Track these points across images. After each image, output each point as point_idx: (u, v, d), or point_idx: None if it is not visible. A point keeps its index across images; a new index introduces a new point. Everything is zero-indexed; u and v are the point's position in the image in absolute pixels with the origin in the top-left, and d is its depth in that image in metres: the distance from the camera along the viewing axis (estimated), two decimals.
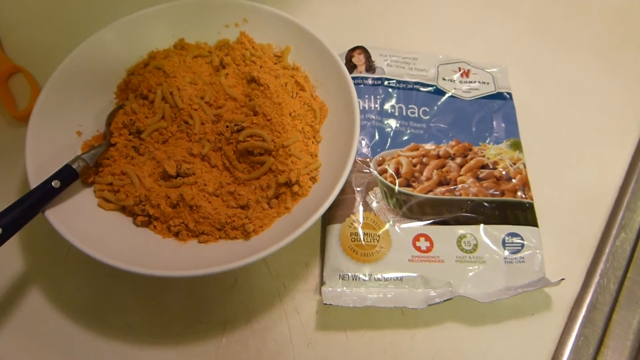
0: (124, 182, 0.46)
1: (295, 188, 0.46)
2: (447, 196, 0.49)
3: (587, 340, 0.45)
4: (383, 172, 0.50)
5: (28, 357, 0.44)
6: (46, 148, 0.46)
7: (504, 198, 0.49)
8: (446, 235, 0.47)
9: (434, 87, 0.56)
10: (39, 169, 0.44)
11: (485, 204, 0.49)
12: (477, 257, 0.46)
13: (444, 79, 0.57)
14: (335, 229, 0.47)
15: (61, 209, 0.44)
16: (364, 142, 0.52)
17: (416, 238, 0.47)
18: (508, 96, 0.56)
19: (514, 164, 0.52)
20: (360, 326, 0.45)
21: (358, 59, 0.57)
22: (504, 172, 0.51)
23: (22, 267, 0.48)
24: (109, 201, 0.46)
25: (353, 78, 0.51)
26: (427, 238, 0.47)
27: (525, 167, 0.52)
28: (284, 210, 0.46)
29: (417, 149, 0.52)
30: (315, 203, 0.44)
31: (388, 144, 0.52)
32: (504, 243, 0.47)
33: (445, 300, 0.44)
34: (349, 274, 0.45)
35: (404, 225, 0.47)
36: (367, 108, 0.54)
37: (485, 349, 0.45)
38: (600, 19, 0.67)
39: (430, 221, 0.48)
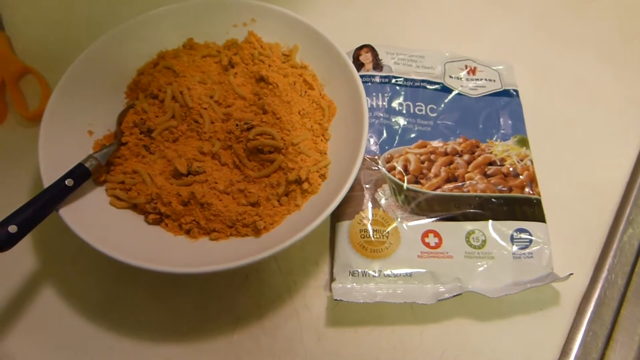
0: (136, 181, 0.47)
1: (305, 185, 0.46)
2: (455, 193, 0.49)
3: (596, 335, 0.46)
4: (391, 169, 0.50)
5: (40, 353, 0.45)
6: (58, 148, 0.47)
7: (512, 194, 0.50)
8: (455, 231, 0.47)
9: (441, 85, 0.56)
10: (51, 168, 0.45)
11: (493, 200, 0.49)
12: (485, 253, 0.47)
13: (450, 77, 0.57)
14: (344, 226, 0.48)
15: (74, 207, 0.44)
16: (372, 140, 0.52)
17: (425, 234, 0.47)
18: (514, 93, 0.57)
19: (521, 160, 0.52)
20: (370, 322, 0.46)
21: (365, 57, 0.57)
22: (511, 169, 0.51)
23: (34, 265, 0.48)
24: (121, 199, 0.47)
25: (361, 76, 0.51)
26: (436, 234, 0.47)
27: (532, 163, 0.52)
28: (294, 208, 0.46)
29: (425, 146, 0.52)
30: (325, 200, 0.44)
31: (396, 142, 0.52)
32: (512, 239, 0.48)
33: (454, 296, 0.44)
34: (359, 270, 0.45)
35: (412, 222, 0.48)
36: (374, 106, 0.54)
37: (495, 344, 0.45)
38: (606, 16, 0.67)
39: (439, 217, 0.48)
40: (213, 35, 0.56)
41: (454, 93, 0.56)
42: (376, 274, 0.45)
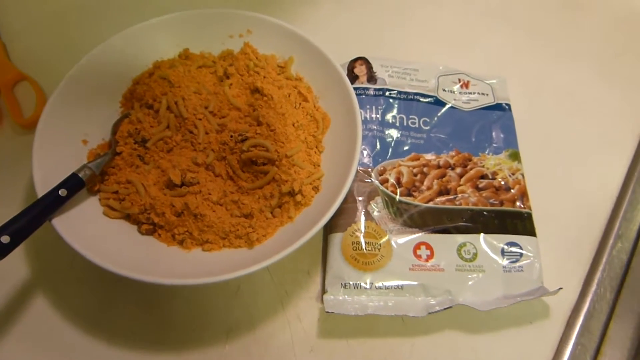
0: (129, 191, 0.47)
1: (298, 197, 0.47)
2: (448, 205, 0.50)
3: (585, 349, 0.46)
4: (384, 181, 0.51)
5: None
6: (52, 157, 0.47)
7: (503, 208, 0.50)
8: (446, 244, 0.48)
9: (434, 98, 0.57)
10: (45, 177, 0.45)
11: (485, 213, 0.50)
12: (476, 266, 0.47)
13: (444, 90, 0.58)
14: (337, 238, 0.48)
15: (67, 217, 0.44)
16: (365, 152, 0.52)
17: (417, 246, 0.48)
18: (507, 107, 0.57)
19: (513, 174, 0.52)
20: (362, 334, 0.46)
21: (360, 70, 0.58)
22: (502, 182, 0.52)
23: (27, 274, 0.48)
24: (115, 209, 0.47)
25: (355, 89, 0.52)
26: (428, 246, 0.48)
27: (523, 177, 0.53)
28: (287, 220, 0.47)
29: (418, 159, 0.53)
30: (318, 212, 0.45)
31: (389, 154, 0.53)
32: (503, 252, 0.48)
33: (445, 309, 0.44)
34: (351, 282, 0.46)
35: (404, 234, 0.48)
36: (368, 118, 0.54)
37: (484, 357, 0.45)
38: (598, 30, 0.68)
39: (431, 229, 0.49)
40: (209, 46, 0.56)
41: (447, 106, 0.56)
42: (368, 286, 0.46)
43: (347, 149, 0.48)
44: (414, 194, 0.50)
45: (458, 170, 0.52)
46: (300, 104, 0.52)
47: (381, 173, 0.51)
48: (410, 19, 0.68)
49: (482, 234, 0.49)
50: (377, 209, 0.49)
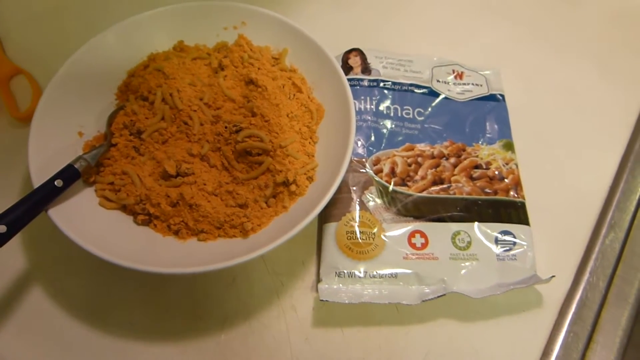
0: (125, 182, 0.47)
1: (293, 187, 0.47)
2: (442, 195, 0.50)
3: (577, 337, 0.47)
4: (379, 171, 0.51)
5: (30, 354, 0.45)
6: (48, 148, 0.47)
7: (497, 197, 0.50)
8: (441, 232, 0.48)
9: (429, 89, 0.57)
10: (41, 168, 0.45)
11: (479, 202, 0.50)
12: (470, 254, 0.47)
13: (438, 81, 0.58)
14: (331, 228, 0.48)
15: (63, 207, 0.44)
16: (359, 143, 0.53)
17: (412, 235, 0.48)
18: (501, 98, 0.58)
19: (507, 164, 0.53)
20: (356, 322, 0.46)
21: (354, 61, 0.58)
22: (496, 172, 0.52)
23: (23, 265, 0.49)
24: (110, 200, 0.47)
25: (349, 80, 0.52)
26: (422, 234, 0.48)
27: (517, 167, 0.53)
28: (282, 209, 0.47)
29: (412, 149, 0.53)
30: (312, 202, 0.45)
31: (383, 144, 0.53)
32: (497, 241, 0.48)
33: (438, 297, 0.45)
34: (345, 271, 0.46)
35: (399, 223, 0.48)
36: (362, 109, 0.55)
37: (478, 345, 0.46)
38: (593, 23, 0.68)
39: (426, 218, 0.49)
40: (203, 38, 0.57)
41: (441, 97, 0.57)
42: (362, 275, 0.46)
43: (341, 139, 0.48)
44: (408, 183, 0.51)
45: (452, 160, 0.52)
46: (294, 94, 0.52)
47: (375, 163, 0.52)
48: (404, 11, 0.68)
49: (476, 223, 0.49)
50: (371, 198, 0.50)
